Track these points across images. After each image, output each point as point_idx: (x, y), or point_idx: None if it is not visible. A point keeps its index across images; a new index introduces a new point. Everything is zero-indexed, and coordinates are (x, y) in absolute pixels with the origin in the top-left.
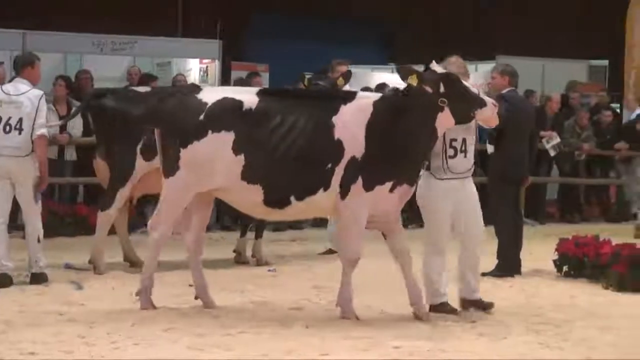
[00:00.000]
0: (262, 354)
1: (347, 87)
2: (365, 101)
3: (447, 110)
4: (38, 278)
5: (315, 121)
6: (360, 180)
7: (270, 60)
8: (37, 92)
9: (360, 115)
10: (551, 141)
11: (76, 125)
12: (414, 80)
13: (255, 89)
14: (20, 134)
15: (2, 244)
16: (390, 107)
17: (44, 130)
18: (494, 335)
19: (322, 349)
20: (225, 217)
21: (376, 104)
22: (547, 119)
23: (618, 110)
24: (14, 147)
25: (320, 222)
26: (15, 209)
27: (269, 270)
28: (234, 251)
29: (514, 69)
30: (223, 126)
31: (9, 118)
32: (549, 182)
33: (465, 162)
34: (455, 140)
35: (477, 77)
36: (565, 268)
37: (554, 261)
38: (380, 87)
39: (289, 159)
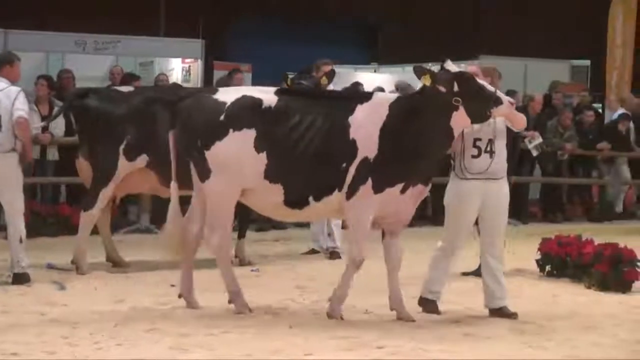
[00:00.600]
0: (246, 354)
1: (330, 87)
2: (381, 101)
3: (461, 110)
4: (20, 278)
5: (332, 121)
6: (369, 182)
7: (252, 60)
8: (14, 88)
9: (376, 116)
10: (533, 141)
11: (58, 125)
12: (427, 80)
13: (273, 89)
14: (0, 131)
15: None
16: (405, 107)
17: (22, 113)
18: (477, 335)
19: (306, 349)
20: None
21: (392, 105)
22: (529, 119)
23: (600, 111)
24: None
25: (302, 222)
26: None
27: (252, 270)
28: None
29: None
30: (244, 124)
31: None
32: (532, 182)
33: (491, 163)
34: (480, 140)
35: None
36: (548, 268)
37: (537, 261)
38: (355, 86)
39: (307, 159)
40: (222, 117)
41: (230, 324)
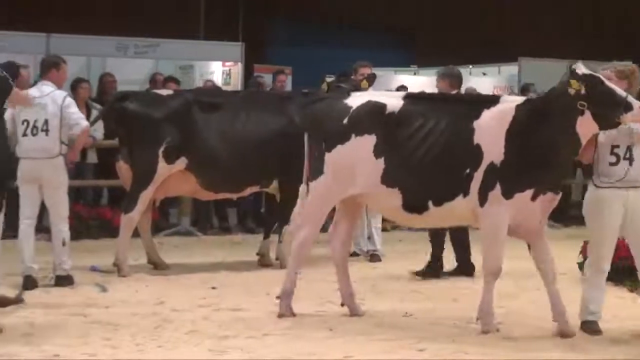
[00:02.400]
0: (285, 357)
1: (370, 90)
2: (508, 105)
3: (587, 114)
4: (63, 280)
5: (456, 125)
6: (498, 187)
7: (292, 63)
8: (60, 93)
9: (502, 120)
10: None
11: (98, 128)
12: (575, 85)
13: (402, 93)
14: (47, 135)
15: (28, 246)
16: (532, 111)
17: (84, 122)
18: (518, 339)
19: (346, 351)
20: (249, 219)
21: (518, 109)
22: None
23: None
24: (41, 149)
25: None
26: (41, 211)
27: None
28: (258, 253)
29: (456, 71)
30: (365, 129)
31: (35, 120)
32: (574, 184)
33: (630, 170)
34: (618, 147)
35: (500, 79)
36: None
37: (579, 264)
38: (400, 89)
39: (428, 163)
40: (345, 121)
41: (270, 326)
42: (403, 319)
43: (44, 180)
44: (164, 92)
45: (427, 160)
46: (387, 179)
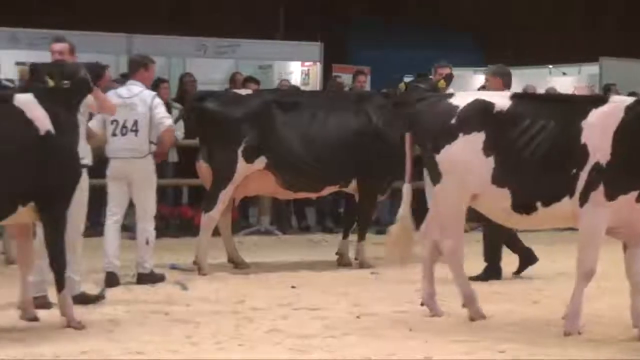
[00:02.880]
0: (365, 357)
1: (449, 90)
2: (617, 105)
3: None
4: (144, 278)
5: (564, 125)
6: (602, 188)
7: (369, 64)
8: (149, 93)
9: (610, 120)
10: None
11: (178, 127)
12: None
13: (509, 93)
14: (136, 135)
15: (113, 243)
16: None
17: (170, 122)
18: (600, 341)
19: (426, 352)
20: (327, 218)
21: (628, 109)
22: None
23: None
24: (131, 149)
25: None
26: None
27: (372, 273)
28: (337, 253)
29: (507, 70)
30: (474, 128)
31: (125, 120)
32: None
33: None
34: None
35: (580, 79)
36: None
37: None
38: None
39: (537, 163)
40: (453, 121)
41: (349, 325)
42: (483, 320)
43: (133, 180)
44: (244, 91)
45: (536, 159)
46: (497, 179)
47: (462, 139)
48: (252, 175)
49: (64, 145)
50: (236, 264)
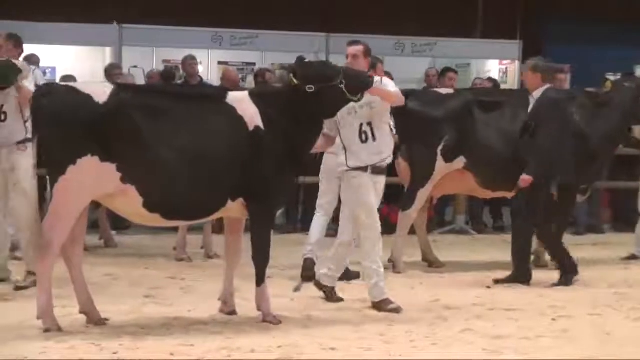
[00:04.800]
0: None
1: None
2: None
3: None
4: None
5: None
6: None
7: (570, 62)
8: None
9: None
10: None
11: None
12: None
13: None
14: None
15: (316, 234)
16: None
17: None
18: None
19: (622, 357)
20: None
21: None
22: None
23: None
24: None
25: None
26: None
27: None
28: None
29: (546, 64)
30: None
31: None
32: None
33: None
34: None
35: None
36: None
37: None
38: None
39: None
40: None
41: (544, 327)
42: None
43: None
44: (444, 91)
45: None
46: None
47: None
48: (450, 174)
49: (273, 142)
50: (430, 263)
